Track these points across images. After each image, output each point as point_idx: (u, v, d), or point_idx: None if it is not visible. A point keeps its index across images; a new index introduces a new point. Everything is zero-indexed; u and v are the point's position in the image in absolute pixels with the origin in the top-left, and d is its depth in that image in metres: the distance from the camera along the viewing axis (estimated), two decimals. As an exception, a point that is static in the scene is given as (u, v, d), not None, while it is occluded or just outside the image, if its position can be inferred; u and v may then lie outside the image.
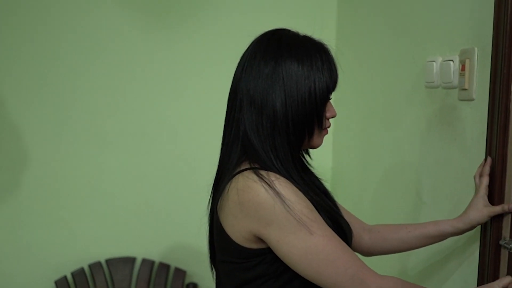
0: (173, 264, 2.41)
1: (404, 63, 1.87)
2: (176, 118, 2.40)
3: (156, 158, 2.40)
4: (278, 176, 1.20)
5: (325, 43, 1.31)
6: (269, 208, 1.17)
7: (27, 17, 2.26)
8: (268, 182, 1.18)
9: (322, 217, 1.23)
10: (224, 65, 2.39)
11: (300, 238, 1.17)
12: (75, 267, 2.33)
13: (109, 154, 2.36)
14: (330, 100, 1.30)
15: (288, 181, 1.21)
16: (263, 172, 1.20)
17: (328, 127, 1.31)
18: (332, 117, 1.30)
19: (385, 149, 2.02)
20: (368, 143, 2.18)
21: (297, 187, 1.22)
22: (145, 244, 2.40)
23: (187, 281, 2.42)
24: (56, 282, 2.28)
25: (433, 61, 1.62)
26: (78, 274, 2.31)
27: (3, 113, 2.25)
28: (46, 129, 2.29)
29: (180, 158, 2.41)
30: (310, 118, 1.25)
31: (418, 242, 1.49)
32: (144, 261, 2.37)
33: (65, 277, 2.29)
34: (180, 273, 2.38)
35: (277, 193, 1.17)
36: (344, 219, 1.37)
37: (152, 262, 2.38)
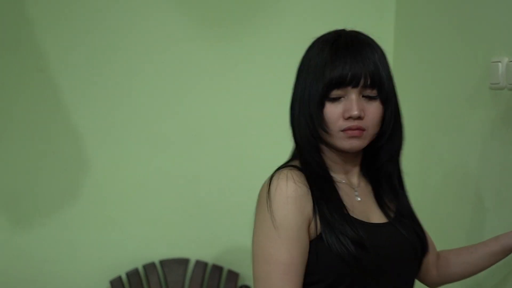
0: (226, 266, 2.40)
1: (466, 63, 1.80)
2: (229, 119, 2.39)
3: (209, 159, 2.39)
4: (289, 176, 1.21)
5: (351, 35, 1.26)
6: (260, 205, 1.23)
7: (85, 22, 2.29)
8: (271, 179, 1.22)
9: (327, 231, 1.19)
10: (280, 67, 2.39)
11: (259, 247, 1.22)
12: (129, 267, 2.34)
13: (163, 156, 2.37)
14: (351, 98, 1.22)
15: (294, 184, 1.20)
16: (281, 169, 1.25)
17: (352, 129, 1.22)
18: (350, 117, 1.21)
19: (445, 153, 1.95)
20: (427, 146, 2.11)
21: (313, 193, 1.21)
22: (198, 246, 2.40)
23: (239, 283, 2.40)
24: (111, 282, 2.31)
25: (499, 61, 1.55)
26: (133, 275, 2.33)
27: (64, 119, 2.29)
28: (102, 132, 2.32)
29: (233, 160, 2.40)
30: (308, 121, 1.23)
31: (484, 262, 1.41)
32: (198, 262, 2.37)
33: (120, 277, 2.32)
34: (233, 275, 2.37)
35: (269, 192, 1.21)
36: (382, 238, 1.26)
37: (205, 264, 2.38)
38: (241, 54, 2.38)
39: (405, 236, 1.29)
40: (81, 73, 2.30)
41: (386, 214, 1.31)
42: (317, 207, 1.21)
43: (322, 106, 1.22)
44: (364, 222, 1.25)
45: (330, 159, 1.29)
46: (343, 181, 1.30)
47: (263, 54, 2.38)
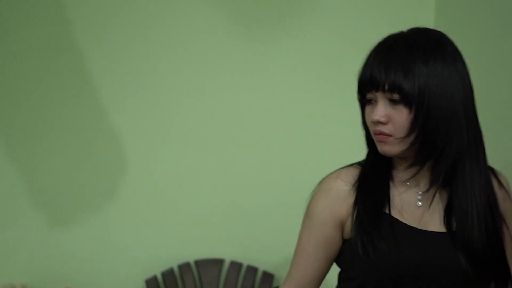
0: (261, 267, 2.38)
1: (509, 61, 1.74)
2: (266, 120, 2.38)
3: (245, 160, 2.39)
4: (337, 172, 1.28)
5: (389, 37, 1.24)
6: None
7: (123, 23, 2.32)
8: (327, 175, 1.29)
9: (356, 232, 1.21)
10: (318, 68, 2.37)
11: (300, 232, 1.31)
12: (165, 267, 2.35)
13: (200, 156, 2.37)
14: (376, 103, 1.21)
15: (335, 181, 1.26)
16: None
17: (376, 133, 1.21)
18: (373, 122, 1.20)
19: (488, 155, 1.89)
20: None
21: (359, 192, 1.23)
22: (233, 246, 2.40)
23: (274, 284, 2.39)
24: (147, 281, 2.32)
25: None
26: (168, 274, 2.33)
27: (102, 119, 2.32)
28: (140, 133, 2.35)
29: (269, 161, 2.39)
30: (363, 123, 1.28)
31: None
32: (232, 263, 2.37)
33: (155, 276, 2.33)
34: (268, 276, 2.36)
35: (319, 184, 1.29)
36: (424, 246, 1.20)
37: (240, 265, 2.37)
38: (279, 55, 2.37)
39: (454, 252, 1.20)
40: (119, 74, 2.32)
41: (448, 224, 1.23)
42: (357, 206, 1.23)
43: (363, 108, 1.26)
44: (409, 226, 1.22)
45: (395, 159, 1.27)
46: (407, 183, 1.26)
47: (301, 54, 2.36)
